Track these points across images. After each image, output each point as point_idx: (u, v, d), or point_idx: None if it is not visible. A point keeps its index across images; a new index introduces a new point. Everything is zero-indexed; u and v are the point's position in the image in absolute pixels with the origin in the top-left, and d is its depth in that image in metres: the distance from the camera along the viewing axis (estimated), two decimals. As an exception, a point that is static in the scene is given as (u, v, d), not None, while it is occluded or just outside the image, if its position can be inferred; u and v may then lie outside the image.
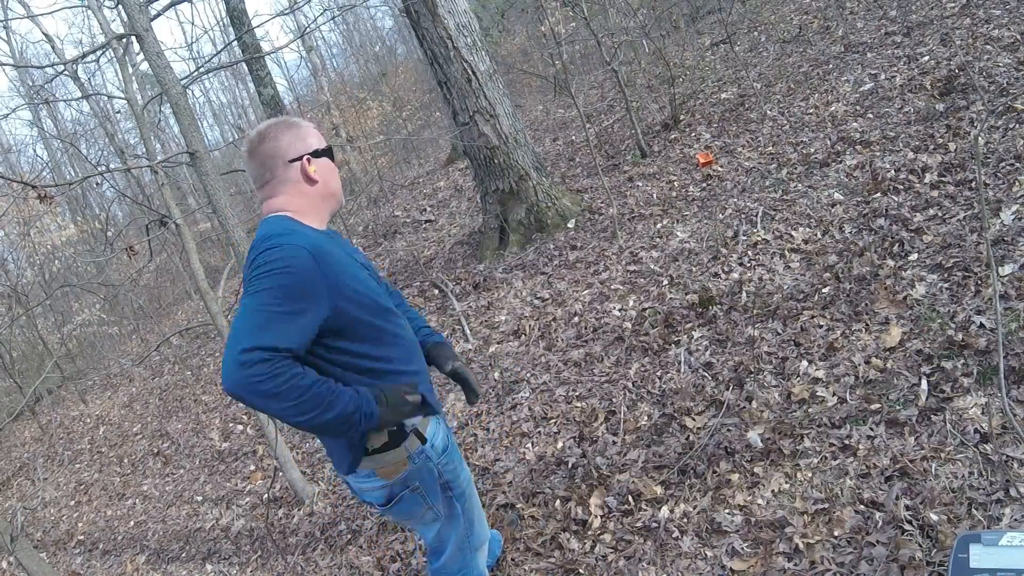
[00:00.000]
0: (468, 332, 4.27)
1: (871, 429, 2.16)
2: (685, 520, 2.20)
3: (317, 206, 1.55)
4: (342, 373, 1.46)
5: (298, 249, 1.36)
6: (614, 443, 2.68)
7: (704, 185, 4.53)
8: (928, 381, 2.22)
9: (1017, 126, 3.27)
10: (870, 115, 4.15)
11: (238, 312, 1.33)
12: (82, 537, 4.89)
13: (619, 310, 3.59)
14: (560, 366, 3.39)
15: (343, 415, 1.36)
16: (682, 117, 5.80)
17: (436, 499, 1.68)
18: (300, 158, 1.53)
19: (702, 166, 4.71)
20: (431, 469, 1.64)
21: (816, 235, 3.31)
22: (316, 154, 1.56)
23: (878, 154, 3.67)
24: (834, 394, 2.37)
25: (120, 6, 3.27)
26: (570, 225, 4.94)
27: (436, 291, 5.13)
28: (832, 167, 3.81)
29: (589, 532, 2.34)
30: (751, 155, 4.55)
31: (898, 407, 2.19)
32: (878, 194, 3.31)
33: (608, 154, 6.18)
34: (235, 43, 8.15)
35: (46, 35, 10.77)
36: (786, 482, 2.14)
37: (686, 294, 3.39)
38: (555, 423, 3.01)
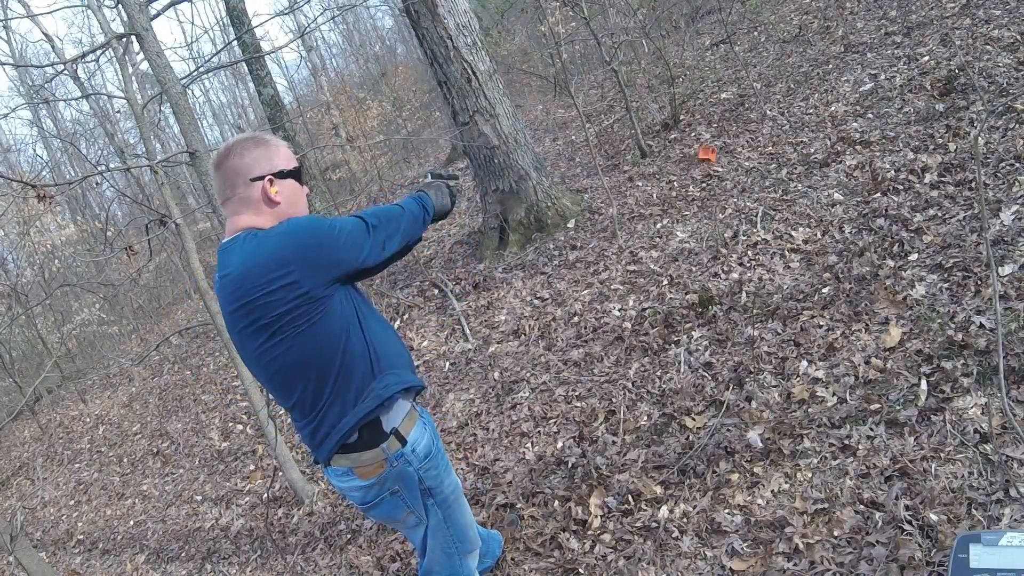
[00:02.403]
0: (468, 332, 4.27)
1: (871, 429, 2.16)
2: (685, 520, 2.20)
3: None
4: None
5: (301, 218, 1.50)
6: (614, 443, 2.68)
7: (704, 185, 4.53)
8: (928, 381, 2.22)
9: (1017, 126, 3.27)
10: (870, 115, 4.15)
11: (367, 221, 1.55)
12: (81, 537, 4.89)
13: (619, 310, 3.59)
14: (560, 366, 3.39)
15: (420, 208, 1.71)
16: (682, 117, 5.80)
17: (417, 504, 1.67)
18: (262, 178, 1.52)
19: (703, 160, 4.71)
20: (411, 474, 1.62)
21: (816, 235, 3.31)
22: (281, 175, 1.55)
23: (878, 154, 3.67)
24: (834, 394, 2.37)
25: (120, 6, 3.27)
26: (570, 225, 4.94)
27: (436, 291, 5.13)
28: (832, 167, 3.81)
29: (589, 532, 2.34)
30: (751, 155, 4.55)
31: (898, 407, 2.19)
32: (878, 194, 3.31)
33: (608, 154, 6.18)
34: (235, 43, 8.15)
35: (46, 35, 10.78)
36: (786, 482, 2.14)
37: (686, 294, 3.39)
38: (555, 423, 3.01)
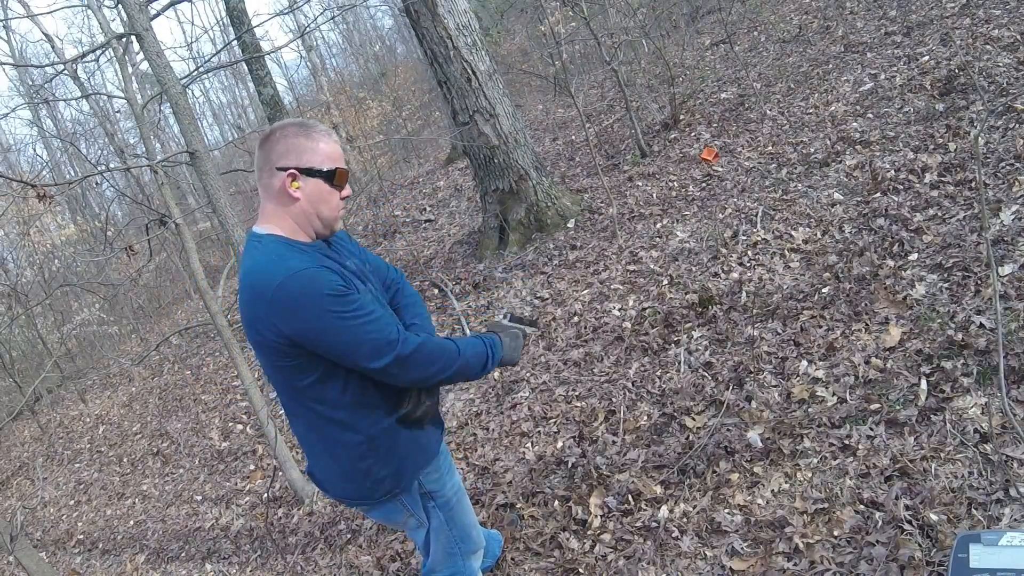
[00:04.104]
0: (468, 332, 4.27)
1: (871, 429, 2.16)
2: (685, 520, 2.20)
3: (301, 224, 1.46)
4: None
5: (311, 271, 1.36)
6: (614, 443, 2.68)
7: (704, 185, 4.53)
8: (928, 381, 2.22)
9: (1017, 126, 3.27)
10: (870, 115, 4.15)
11: (340, 340, 1.37)
12: (82, 536, 4.88)
13: (619, 310, 3.59)
14: (560, 366, 3.39)
15: (475, 356, 1.56)
16: (682, 117, 5.80)
17: (417, 508, 1.66)
18: (286, 169, 1.42)
19: (704, 160, 4.72)
20: None
21: (816, 235, 3.31)
22: (309, 172, 1.43)
23: (878, 154, 3.67)
24: (834, 394, 2.37)
25: (120, 6, 3.27)
26: (570, 225, 4.94)
27: (436, 291, 5.13)
28: (832, 167, 3.81)
29: (589, 532, 2.34)
30: (751, 155, 4.55)
31: (898, 407, 2.19)
32: (878, 194, 3.31)
33: (608, 154, 6.18)
34: (235, 43, 8.14)
35: (46, 35, 10.79)
36: (786, 482, 2.14)
37: (686, 294, 3.39)
38: (555, 423, 3.00)
